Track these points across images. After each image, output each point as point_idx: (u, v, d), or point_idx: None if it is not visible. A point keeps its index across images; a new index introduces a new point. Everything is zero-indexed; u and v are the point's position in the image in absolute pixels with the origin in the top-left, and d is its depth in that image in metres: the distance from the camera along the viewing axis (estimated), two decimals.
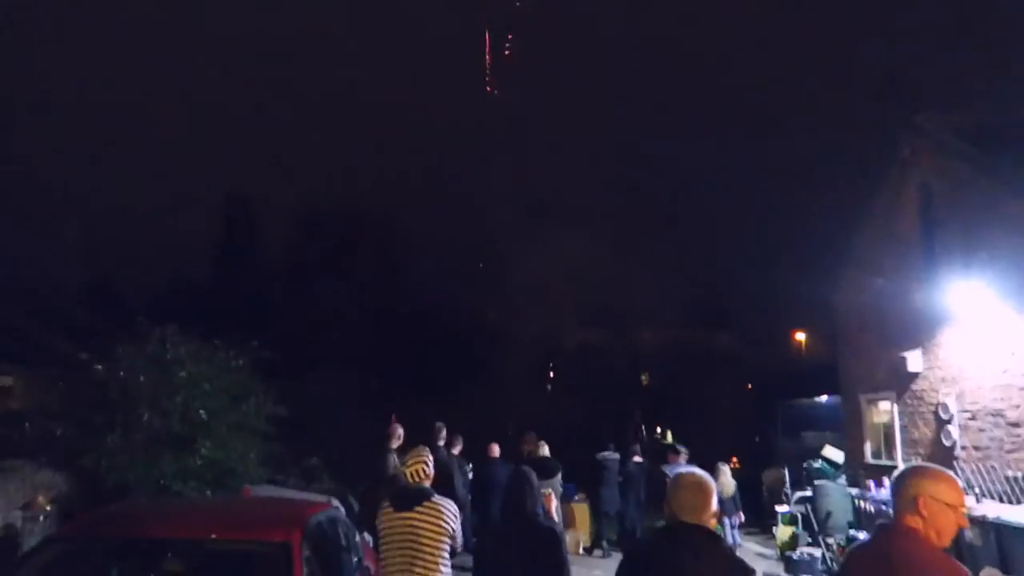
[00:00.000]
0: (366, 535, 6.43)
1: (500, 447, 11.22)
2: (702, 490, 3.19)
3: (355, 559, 5.39)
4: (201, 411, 9.27)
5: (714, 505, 3.25)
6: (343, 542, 5.25)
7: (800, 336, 33.95)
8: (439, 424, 9.67)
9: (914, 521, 2.67)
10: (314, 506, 5.61)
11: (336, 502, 6.98)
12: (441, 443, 9.48)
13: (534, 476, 4.73)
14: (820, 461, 14.90)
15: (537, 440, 11.12)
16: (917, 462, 8.92)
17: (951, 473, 2.82)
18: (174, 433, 9.06)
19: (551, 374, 39.19)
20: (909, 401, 11.89)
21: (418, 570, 4.36)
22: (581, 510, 12.76)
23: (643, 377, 38.80)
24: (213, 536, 4.35)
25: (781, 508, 13.01)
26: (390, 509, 4.55)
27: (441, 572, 4.41)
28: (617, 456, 12.83)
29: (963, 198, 10.47)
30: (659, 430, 32.00)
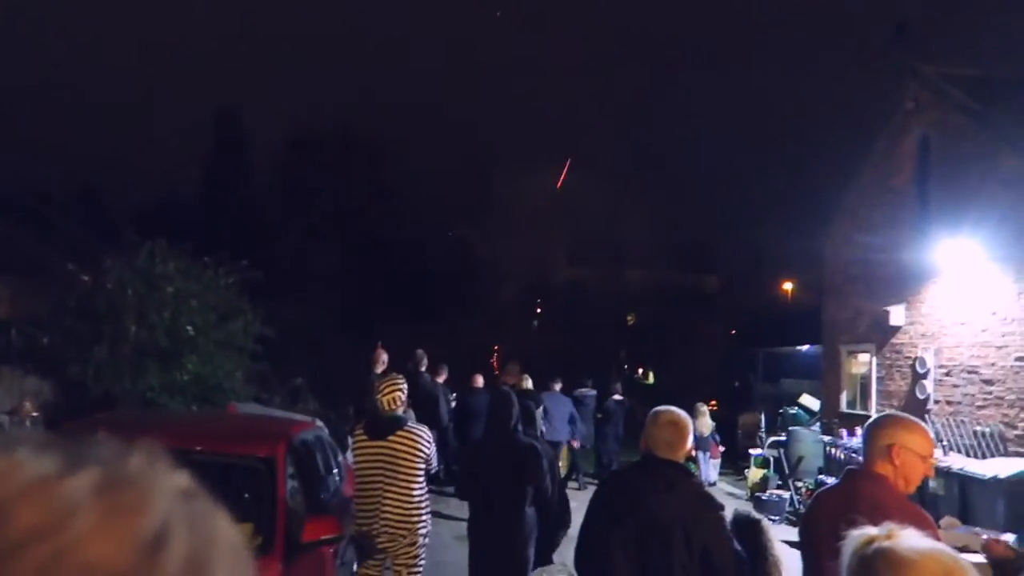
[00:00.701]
0: (348, 455, 6.52)
1: (484, 378, 11.37)
2: (677, 427, 3.28)
3: (337, 479, 5.51)
4: (188, 327, 9.31)
5: (688, 443, 3.34)
6: (325, 461, 5.36)
7: (787, 285, 34.20)
8: (420, 351, 9.77)
9: (884, 468, 2.75)
10: (298, 424, 5.72)
11: (320, 422, 7.10)
12: (423, 369, 9.60)
13: (514, 397, 4.85)
14: (796, 408, 15.23)
15: (520, 373, 11.27)
16: (891, 411, 9.11)
17: (924, 424, 2.90)
18: (160, 347, 9.12)
19: (538, 309, 39.42)
20: (888, 354, 12.08)
21: (391, 495, 4.42)
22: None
23: (629, 317, 39.12)
24: (198, 448, 4.42)
25: (755, 451, 13.34)
26: (364, 437, 4.57)
27: (415, 495, 4.48)
28: (594, 392, 13.04)
29: (962, 152, 10.44)
30: (641, 372, 32.46)
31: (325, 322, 19.17)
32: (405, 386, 4.77)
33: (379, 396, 4.62)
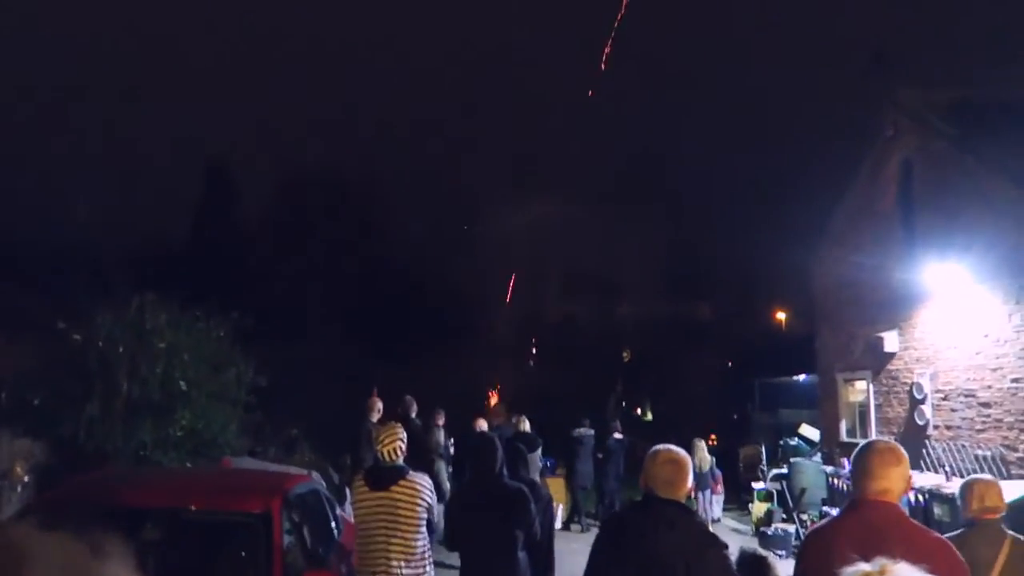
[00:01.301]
0: (347, 507, 6.43)
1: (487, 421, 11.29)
2: (677, 466, 3.24)
3: (335, 532, 5.42)
4: (181, 381, 9.22)
5: (689, 481, 3.30)
6: (323, 515, 5.28)
7: (780, 314, 34.26)
8: (408, 398, 9.69)
9: (890, 495, 2.71)
10: (294, 478, 5.63)
11: (316, 475, 7.00)
12: (413, 415, 9.53)
13: (497, 441, 4.81)
14: (796, 439, 15.14)
15: (506, 413, 11.22)
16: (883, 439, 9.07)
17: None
18: (153, 402, 9.01)
19: (533, 348, 39.31)
20: (884, 380, 12.06)
21: (396, 547, 4.35)
22: (557, 484, 12.89)
23: (624, 353, 39.03)
24: (193, 507, 4.35)
25: (757, 485, 13.21)
26: (365, 488, 4.51)
27: (418, 546, 4.41)
28: (592, 432, 12.93)
29: (944, 177, 10.57)
30: (639, 411, 32.27)
31: (319, 368, 19.04)
32: (405, 435, 4.71)
33: (379, 446, 4.56)
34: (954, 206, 10.25)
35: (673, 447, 3.36)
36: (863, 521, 2.67)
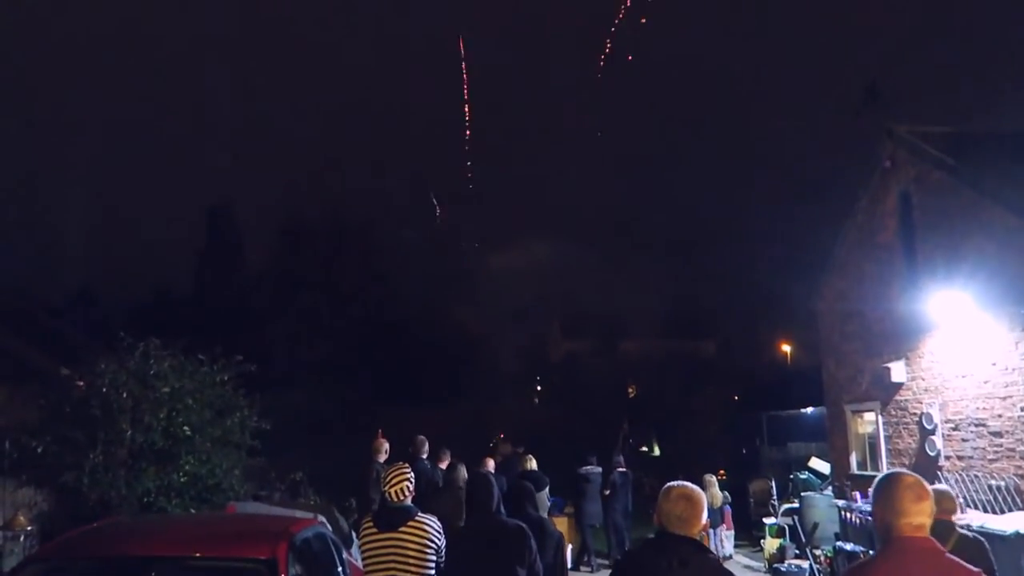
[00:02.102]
0: (354, 551, 6.35)
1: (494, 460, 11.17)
2: (691, 502, 3.21)
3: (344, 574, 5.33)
4: (184, 427, 9.16)
5: (703, 518, 3.27)
6: (329, 559, 5.19)
7: (786, 347, 34.12)
8: (420, 438, 9.60)
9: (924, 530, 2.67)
10: (300, 522, 5.55)
11: (322, 518, 6.91)
12: (424, 456, 9.44)
13: (492, 479, 4.79)
14: (806, 472, 14.96)
15: (513, 450, 11.14)
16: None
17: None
18: (157, 449, 8.95)
19: (538, 386, 39.12)
20: (893, 411, 11.96)
21: None
22: (565, 523, 12.71)
23: (629, 389, 38.81)
24: (197, 554, 4.28)
25: (768, 520, 13.03)
26: (373, 529, 4.45)
27: None
28: (599, 470, 12.81)
29: (943, 207, 10.61)
30: (645, 448, 31.98)
31: (322, 410, 18.94)
32: (412, 475, 4.67)
33: (387, 487, 4.52)
34: (955, 236, 10.27)
35: (686, 483, 3.33)
36: (906, 561, 2.61)
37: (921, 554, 2.62)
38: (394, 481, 4.51)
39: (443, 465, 10.28)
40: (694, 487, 3.34)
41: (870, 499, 2.89)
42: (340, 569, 5.36)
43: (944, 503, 4.75)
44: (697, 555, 3.15)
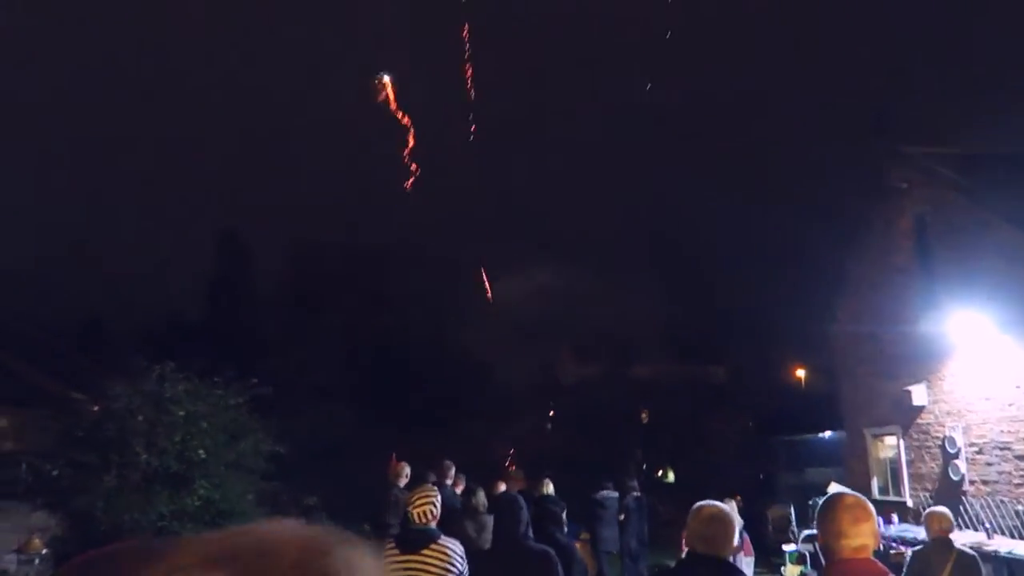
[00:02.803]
0: None
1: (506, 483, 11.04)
2: (722, 522, 3.12)
3: None
4: (200, 450, 9.10)
5: (735, 539, 3.18)
6: None
7: (799, 372, 33.77)
8: (448, 462, 9.47)
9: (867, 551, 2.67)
10: None
11: None
12: (449, 482, 9.32)
13: (521, 501, 4.66)
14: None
15: (523, 478, 11.02)
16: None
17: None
18: (171, 472, 8.89)
19: (551, 411, 38.89)
20: (915, 435, 11.78)
21: None
22: (581, 550, 12.53)
23: (643, 414, 38.45)
24: None
25: (788, 547, 12.79)
26: (395, 551, 4.35)
27: None
28: (616, 495, 12.65)
29: (958, 228, 10.53)
30: (660, 473, 31.65)
31: (335, 435, 18.84)
32: (439, 499, 4.55)
33: (411, 508, 4.41)
34: (972, 257, 10.18)
35: (717, 503, 3.24)
36: None
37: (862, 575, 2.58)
38: (419, 503, 4.41)
39: (458, 490, 10.17)
40: (724, 506, 3.25)
41: (815, 522, 2.84)
42: None
43: (942, 522, 5.24)
44: None
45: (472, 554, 4.61)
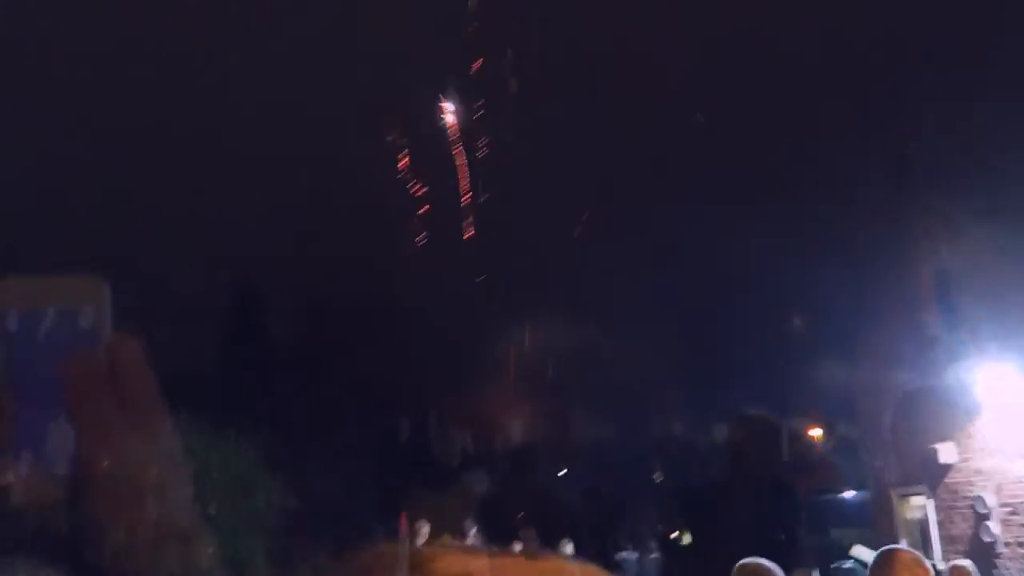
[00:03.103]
0: None
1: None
2: None
3: None
4: (212, 506, 8.91)
5: None
6: None
7: (815, 432, 33.20)
8: (468, 521, 9.27)
9: None
10: None
11: None
12: (469, 542, 9.12)
13: None
14: (851, 560, 14.22)
15: (536, 536, 10.83)
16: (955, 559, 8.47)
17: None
18: (181, 528, 8.68)
19: (562, 471, 38.26)
20: (943, 495, 11.41)
21: None
22: None
23: (656, 475, 37.79)
24: None
25: None
26: None
27: None
28: (636, 556, 12.36)
29: (984, 280, 10.39)
30: (676, 534, 30.92)
31: (351, 491, 18.55)
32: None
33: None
34: (1000, 308, 10.02)
35: (761, 560, 3.07)
36: None
37: None
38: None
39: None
40: (768, 562, 3.08)
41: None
42: None
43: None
44: None
45: None
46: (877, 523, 13.46)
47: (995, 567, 9.95)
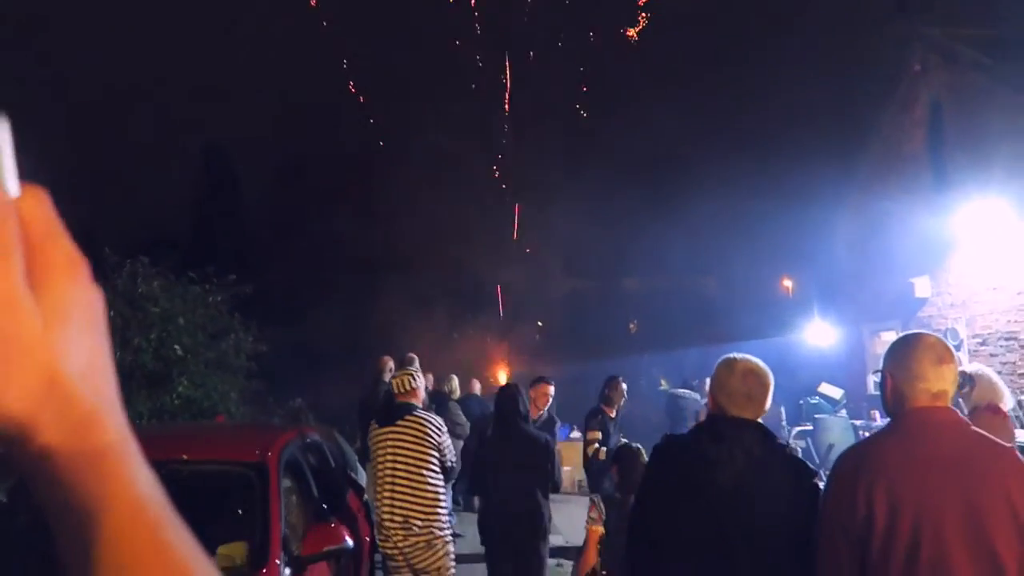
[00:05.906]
0: (361, 474, 6.20)
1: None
2: (759, 378, 2.63)
3: (343, 487, 4.92)
4: (176, 347, 8.73)
5: (770, 400, 2.72)
6: (326, 467, 4.80)
7: (787, 282, 33.72)
8: (410, 355, 9.12)
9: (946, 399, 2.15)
10: (291, 431, 5.12)
11: (324, 433, 6.52)
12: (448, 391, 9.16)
13: (523, 389, 4.99)
14: (816, 397, 14.61)
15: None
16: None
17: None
18: (148, 371, 8.54)
19: (539, 322, 38.93)
20: (915, 329, 11.53)
21: (401, 484, 4.15)
22: (571, 448, 12.48)
23: (631, 325, 38.59)
24: (184, 457, 3.87)
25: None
26: (376, 426, 4.40)
27: (429, 486, 4.19)
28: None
29: (976, 112, 9.98)
30: (663, 383, 31.84)
31: (321, 343, 18.62)
32: (419, 376, 4.58)
33: (392, 382, 4.53)
34: (989, 142, 9.65)
35: (750, 357, 2.76)
36: (922, 435, 2.06)
37: (941, 427, 2.08)
38: (399, 375, 4.49)
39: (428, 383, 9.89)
40: (760, 361, 2.76)
41: (881, 366, 2.30)
42: (341, 480, 4.97)
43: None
44: (766, 441, 2.60)
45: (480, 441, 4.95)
46: (846, 362, 13.72)
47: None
